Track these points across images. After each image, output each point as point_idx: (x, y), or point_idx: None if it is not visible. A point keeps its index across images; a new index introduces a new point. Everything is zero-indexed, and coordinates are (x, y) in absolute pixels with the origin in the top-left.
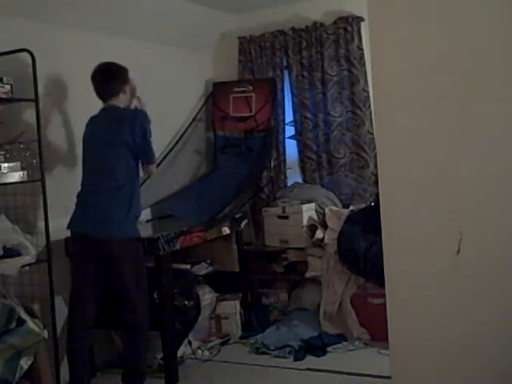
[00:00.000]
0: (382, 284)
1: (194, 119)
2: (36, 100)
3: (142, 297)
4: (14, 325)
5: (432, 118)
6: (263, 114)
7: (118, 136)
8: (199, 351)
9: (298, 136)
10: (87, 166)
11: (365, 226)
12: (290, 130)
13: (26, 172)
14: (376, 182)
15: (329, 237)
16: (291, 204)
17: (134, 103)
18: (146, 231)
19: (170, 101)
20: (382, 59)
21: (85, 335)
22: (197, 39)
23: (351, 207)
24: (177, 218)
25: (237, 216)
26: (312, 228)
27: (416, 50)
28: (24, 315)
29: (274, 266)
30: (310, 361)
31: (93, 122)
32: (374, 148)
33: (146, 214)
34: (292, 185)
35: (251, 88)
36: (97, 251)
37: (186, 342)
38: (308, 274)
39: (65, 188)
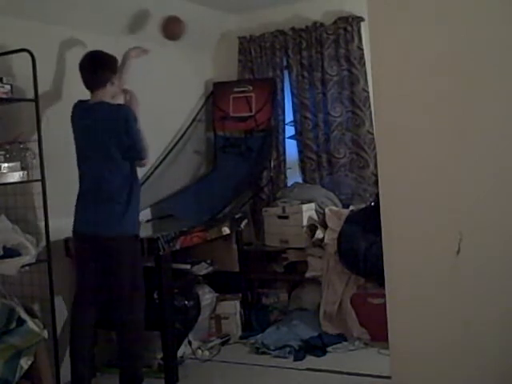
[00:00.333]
0: (382, 284)
1: (193, 119)
2: (36, 100)
3: (138, 296)
4: (13, 325)
5: (432, 117)
6: (263, 114)
7: (107, 138)
8: (199, 351)
9: (298, 136)
10: (82, 169)
11: (365, 226)
12: (290, 130)
13: (25, 172)
14: (376, 182)
15: (329, 237)
16: (291, 204)
17: (127, 98)
18: (145, 231)
19: (170, 101)
20: (382, 59)
21: (86, 335)
22: (197, 39)
23: (351, 207)
24: (177, 218)
25: (237, 216)
26: (312, 228)
27: (416, 50)
28: (24, 315)
29: (274, 266)
30: (310, 361)
31: (82, 120)
32: (374, 148)
33: (146, 214)
34: (292, 185)
35: (251, 88)
36: (98, 250)
37: (186, 341)
38: (308, 274)
39: (65, 188)
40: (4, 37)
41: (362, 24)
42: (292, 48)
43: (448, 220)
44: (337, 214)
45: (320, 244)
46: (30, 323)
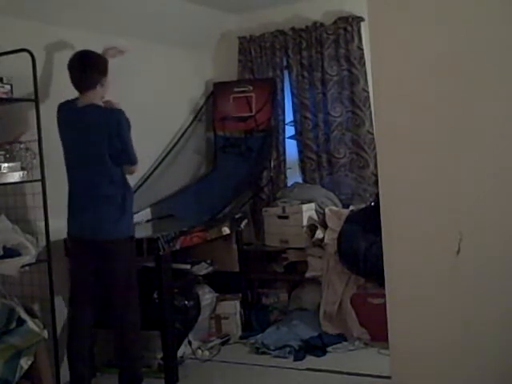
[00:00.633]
0: (382, 284)
1: (194, 119)
2: (36, 100)
3: (133, 297)
4: (14, 325)
5: (432, 117)
6: (263, 114)
7: (99, 142)
8: (199, 351)
9: (298, 136)
10: (73, 172)
11: (365, 226)
12: (290, 130)
13: (25, 172)
14: (376, 182)
15: (329, 237)
16: (291, 204)
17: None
18: (146, 231)
19: (170, 101)
20: (382, 59)
21: (84, 335)
22: (197, 39)
23: (351, 207)
24: (177, 218)
25: (237, 216)
26: (312, 228)
27: (416, 50)
28: (24, 315)
29: (274, 266)
30: (310, 361)
31: (72, 123)
32: (374, 148)
33: (146, 214)
34: (292, 185)
35: (251, 88)
36: (94, 252)
37: (186, 341)
38: (308, 274)
39: (65, 188)
40: (4, 37)
41: (362, 24)
42: (292, 48)
43: (448, 220)
44: (337, 214)
45: (320, 244)
46: (30, 323)
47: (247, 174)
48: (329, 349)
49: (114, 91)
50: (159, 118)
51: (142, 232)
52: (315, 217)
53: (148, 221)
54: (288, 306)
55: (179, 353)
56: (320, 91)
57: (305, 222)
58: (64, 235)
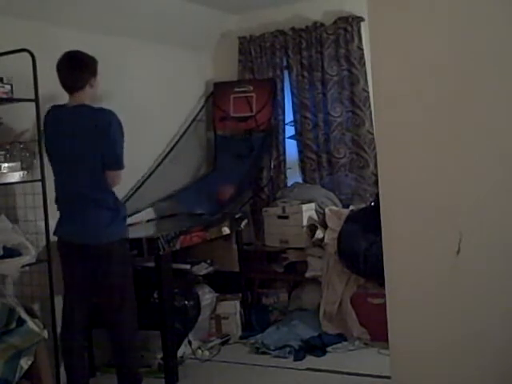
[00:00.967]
0: (382, 284)
1: (194, 119)
2: (36, 100)
3: (128, 298)
4: (13, 325)
5: (432, 118)
6: (263, 114)
7: (89, 143)
8: (199, 351)
9: (298, 136)
10: (60, 174)
11: (365, 225)
12: (290, 130)
13: (25, 172)
14: (376, 182)
15: (329, 237)
16: (291, 204)
17: None
18: (146, 231)
19: (170, 101)
20: (382, 59)
21: (75, 337)
22: (197, 39)
23: (351, 207)
24: (177, 218)
25: (237, 216)
26: (312, 228)
27: (416, 50)
28: (24, 315)
29: (274, 266)
30: (310, 361)
31: (60, 125)
32: (374, 148)
33: (146, 214)
34: (292, 185)
35: (251, 88)
36: (85, 255)
37: (186, 341)
38: (308, 274)
39: None
40: (4, 37)
41: (362, 24)
42: (292, 48)
43: (448, 220)
44: (337, 214)
45: (320, 244)
46: (30, 323)
47: (247, 174)
48: (329, 349)
49: (114, 91)
50: (159, 118)
51: (142, 232)
52: (315, 217)
53: (148, 220)
54: (288, 306)
55: (179, 353)
56: (320, 91)
57: (305, 222)
58: None
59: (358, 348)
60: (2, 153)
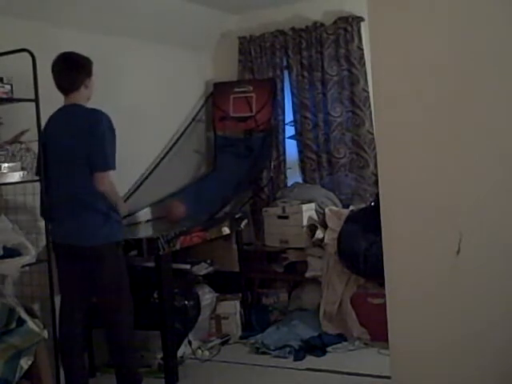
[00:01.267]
0: (382, 284)
1: (193, 119)
2: (36, 100)
3: (123, 299)
4: (13, 325)
5: (432, 118)
6: (263, 114)
7: (80, 143)
8: (199, 351)
9: (298, 136)
10: (54, 175)
11: (365, 226)
12: (290, 130)
13: (26, 172)
14: (376, 182)
15: (329, 237)
16: (291, 204)
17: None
18: (145, 231)
19: (170, 101)
20: (382, 59)
21: (73, 338)
22: (197, 39)
23: (351, 207)
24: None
25: (237, 216)
26: (312, 228)
27: (416, 50)
28: (24, 315)
29: (274, 266)
30: (310, 361)
31: (54, 126)
32: (374, 148)
33: (146, 214)
34: (292, 185)
35: (251, 88)
36: (78, 256)
37: (186, 341)
38: (308, 274)
39: None
40: (4, 37)
41: (362, 24)
42: (292, 48)
43: (448, 220)
44: (337, 214)
45: (320, 244)
46: (30, 323)
47: (247, 174)
48: (329, 349)
49: (114, 91)
50: (159, 118)
51: (142, 232)
52: (315, 217)
53: (148, 221)
54: (288, 306)
55: (179, 353)
56: (320, 91)
57: (305, 222)
58: None
59: (358, 348)
60: (2, 153)
